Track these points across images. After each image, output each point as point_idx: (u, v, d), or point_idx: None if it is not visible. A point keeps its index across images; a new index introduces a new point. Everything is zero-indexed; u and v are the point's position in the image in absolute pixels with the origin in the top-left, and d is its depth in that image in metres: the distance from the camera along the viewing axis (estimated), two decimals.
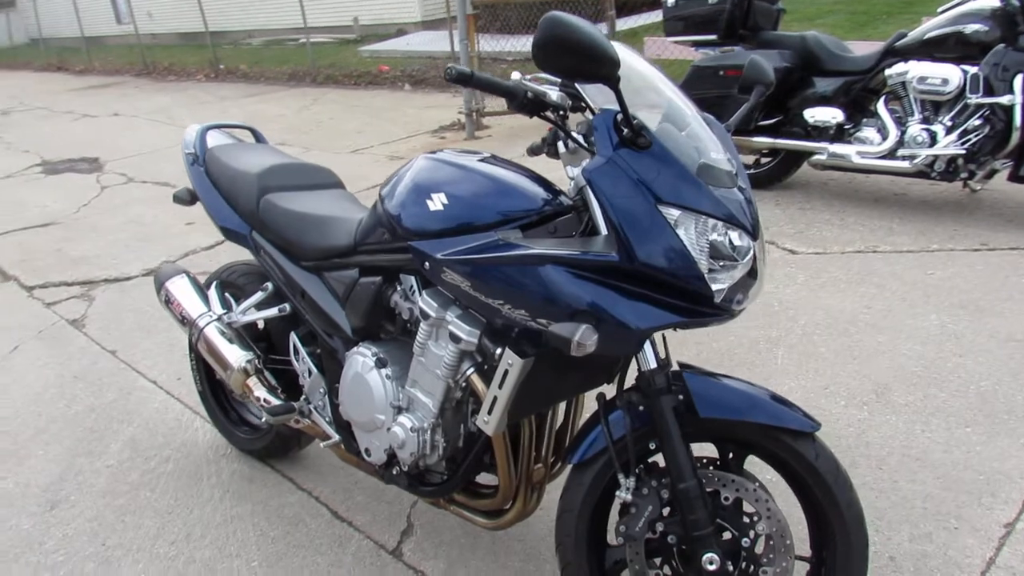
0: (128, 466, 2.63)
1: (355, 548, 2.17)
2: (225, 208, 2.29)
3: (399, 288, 1.82)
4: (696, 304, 1.42)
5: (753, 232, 1.45)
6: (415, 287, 1.75)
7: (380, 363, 1.85)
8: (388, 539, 2.19)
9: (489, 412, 1.60)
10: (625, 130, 1.42)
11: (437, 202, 1.58)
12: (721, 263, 1.42)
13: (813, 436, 1.55)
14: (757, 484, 1.59)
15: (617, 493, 1.57)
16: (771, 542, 1.57)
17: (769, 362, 2.88)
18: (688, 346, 3.02)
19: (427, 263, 1.59)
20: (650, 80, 1.56)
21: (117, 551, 2.24)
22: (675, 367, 1.62)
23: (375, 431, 1.88)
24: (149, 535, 2.29)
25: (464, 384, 1.70)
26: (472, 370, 1.66)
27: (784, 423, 1.52)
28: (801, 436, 1.54)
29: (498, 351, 1.57)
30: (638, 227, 1.39)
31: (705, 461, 1.65)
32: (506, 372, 1.55)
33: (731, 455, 1.64)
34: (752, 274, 1.47)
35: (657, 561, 1.62)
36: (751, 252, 1.44)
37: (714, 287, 1.41)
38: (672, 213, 1.39)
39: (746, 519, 1.58)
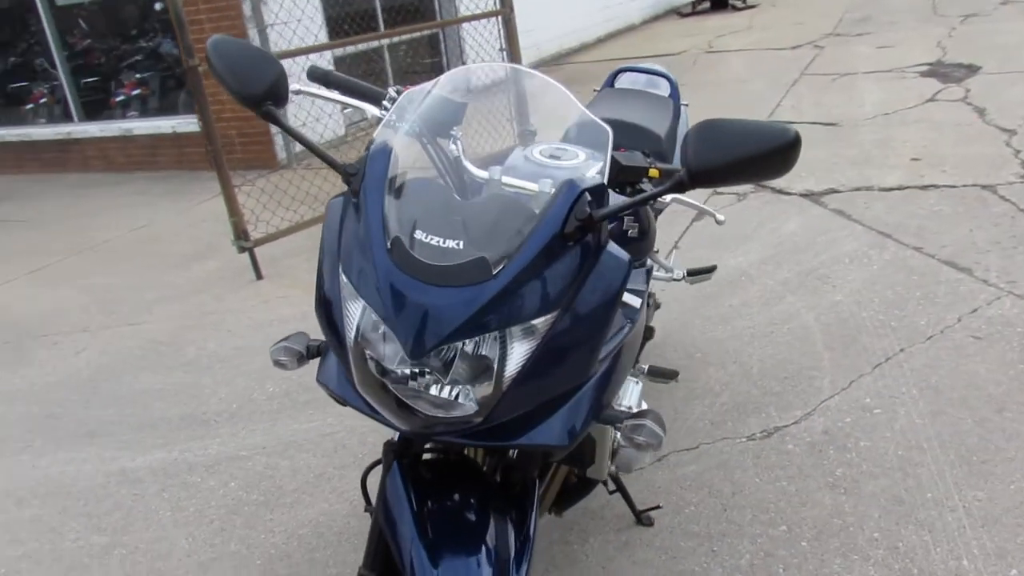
0: None
1: None
2: None
3: None
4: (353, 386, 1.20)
5: (415, 351, 1.06)
6: None
7: None
8: None
9: None
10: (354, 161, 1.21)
11: None
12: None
13: None
14: None
15: None
16: None
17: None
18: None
19: None
20: (453, 113, 1.39)
21: None
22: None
23: None
24: None
25: None
26: None
27: None
28: None
29: None
30: (327, 274, 1.21)
31: None
32: None
33: None
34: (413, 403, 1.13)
35: None
36: (403, 378, 1.10)
37: (357, 374, 1.14)
38: (345, 282, 1.16)
39: None
